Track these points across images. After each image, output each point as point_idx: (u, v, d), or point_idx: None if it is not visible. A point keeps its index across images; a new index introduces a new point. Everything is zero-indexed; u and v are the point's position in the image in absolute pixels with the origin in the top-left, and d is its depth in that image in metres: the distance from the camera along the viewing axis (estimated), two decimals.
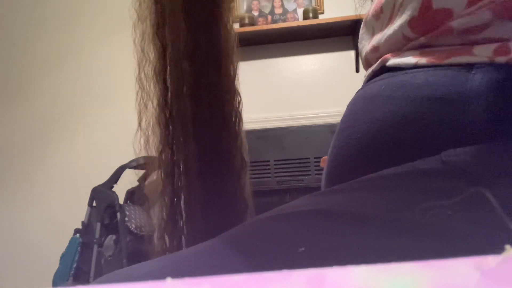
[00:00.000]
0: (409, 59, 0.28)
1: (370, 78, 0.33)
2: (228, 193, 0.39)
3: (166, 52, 0.37)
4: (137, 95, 0.37)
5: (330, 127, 1.64)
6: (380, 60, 0.31)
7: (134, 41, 0.37)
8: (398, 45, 0.30)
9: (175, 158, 0.37)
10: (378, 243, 0.17)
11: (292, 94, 1.93)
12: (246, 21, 1.82)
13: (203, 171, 0.37)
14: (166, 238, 0.37)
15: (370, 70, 0.33)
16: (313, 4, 1.92)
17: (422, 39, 0.27)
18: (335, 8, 1.89)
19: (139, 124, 0.38)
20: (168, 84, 0.37)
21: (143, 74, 0.37)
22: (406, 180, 0.21)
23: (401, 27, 0.29)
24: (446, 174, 0.20)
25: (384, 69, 0.30)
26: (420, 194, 0.20)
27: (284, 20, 1.92)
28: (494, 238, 0.15)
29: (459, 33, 0.25)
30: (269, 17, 1.95)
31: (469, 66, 0.24)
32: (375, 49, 0.33)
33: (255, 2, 1.96)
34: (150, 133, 0.38)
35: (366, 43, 0.36)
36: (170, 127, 0.37)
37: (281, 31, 1.79)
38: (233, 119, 0.40)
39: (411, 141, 0.24)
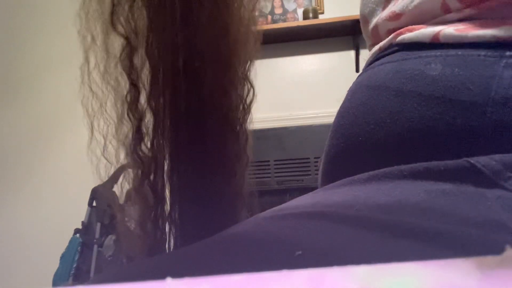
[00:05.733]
0: (428, 30, 0.22)
1: (375, 58, 0.28)
2: (225, 190, 0.35)
3: (135, 37, 0.30)
4: (83, 101, 0.32)
5: (330, 127, 1.63)
6: (393, 34, 0.25)
7: (78, 33, 0.29)
8: (429, 16, 0.24)
9: (155, 150, 0.33)
10: (377, 245, 0.17)
11: (292, 94, 1.93)
12: None
13: (194, 163, 0.32)
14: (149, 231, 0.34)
15: (377, 47, 0.28)
16: (313, 4, 1.92)
17: (467, 12, 0.22)
18: (335, 8, 1.89)
19: (92, 131, 0.33)
20: (137, 76, 0.31)
21: (95, 72, 0.31)
22: (408, 182, 0.21)
23: None
24: (449, 176, 0.19)
25: (393, 47, 0.25)
26: (421, 195, 0.19)
27: (284, 20, 1.92)
28: (494, 238, 0.15)
29: None
30: (269, 17, 1.95)
31: (500, 51, 0.20)
32: (396, 16, 0.26)
33: None
34: (110, 137, 0.33)
35: (379, 9, 0.30)
36: (148, 118, 0.32)
37: (281, 31, 1.79)
38: (238, 111, 0.35)
39: (420, 152, 0.22)
